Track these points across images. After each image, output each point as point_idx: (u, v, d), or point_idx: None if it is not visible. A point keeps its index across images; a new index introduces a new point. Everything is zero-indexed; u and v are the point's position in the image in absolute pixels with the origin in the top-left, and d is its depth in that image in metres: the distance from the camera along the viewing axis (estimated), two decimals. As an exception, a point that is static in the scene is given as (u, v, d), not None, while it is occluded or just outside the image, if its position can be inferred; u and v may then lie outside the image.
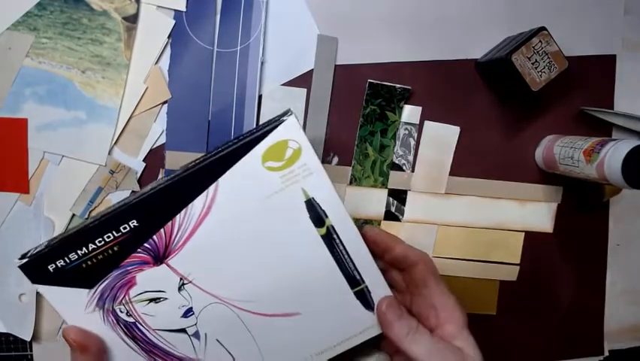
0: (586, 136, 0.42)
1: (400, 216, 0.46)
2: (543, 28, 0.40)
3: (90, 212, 0.42)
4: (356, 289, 0.32)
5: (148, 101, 0.41)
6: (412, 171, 0.45)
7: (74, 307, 0.30)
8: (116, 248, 0.29)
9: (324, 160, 0.44)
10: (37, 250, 0.29)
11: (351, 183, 0.45)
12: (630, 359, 0.52)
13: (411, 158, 0.45)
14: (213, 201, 0.30)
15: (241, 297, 0.31)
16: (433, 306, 0.33)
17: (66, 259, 0.29)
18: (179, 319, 0.32)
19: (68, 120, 0.40)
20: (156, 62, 0.41)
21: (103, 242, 0.29)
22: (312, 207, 0.30)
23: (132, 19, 0.40)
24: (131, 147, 0.42)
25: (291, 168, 0.30)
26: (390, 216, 0.46)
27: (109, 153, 0.41)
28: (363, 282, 0.32)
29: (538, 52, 0.40)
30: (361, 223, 0.31)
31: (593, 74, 0.47)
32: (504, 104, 0.46)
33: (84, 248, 0.29)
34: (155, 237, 0.30)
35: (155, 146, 0.42)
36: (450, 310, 0.32)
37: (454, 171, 0.46)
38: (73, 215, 0.42)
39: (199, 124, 0.42)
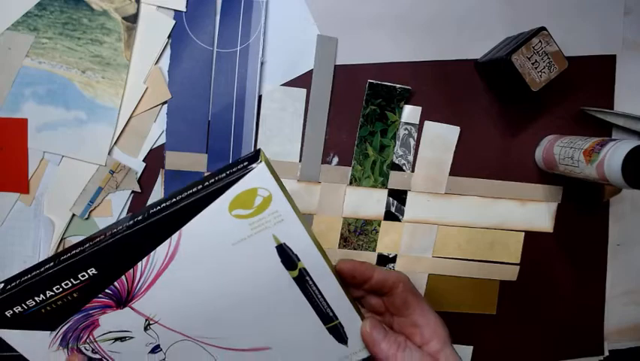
0: (586, 136, 0.42)
1: (400, 217, 0.46)
2: (543, 28, 0.40)
3: (90, 212, 0.42)
4: (329, 325, 0.32)
5: (148, 101, 0.41)
6: (412, 171, 0.45)
7: (37, 347, 0.30)
8: (75, 295, 0.29)
9: (324, 160, 0.44)
10: None
11: (351, 183, 0.45)
12: (630, 359, 0.52)
13: (411, 158, 0.45)
14: (177, 248, 0.29)
15: (210, 334, 0.31)
16: (417, 325, 0.33)
17: (24, 305, 0.29)
18: (147, 355, 0.31)
19: (68, 120, 0.40)
20: (156, 62, 0.41)
21: (61, 289, 0.28)
22: (283, 251, 0.29)
23: (132, 19, 0.40)
24: (131, 147, 0.42)
25: (260, 216, 0.28)
26: (390, 216, 0.46)
27: (109, 153, 0.41)
28: (337, 318, 0.32)
29: (538, 52, 0.40)
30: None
31: (593, 74, 0.47)
32: (504, 104, 0.46)
33: (42, 295, 0.28)
34: (116, 283, 0.29)
35: (155, 146, 0.42)
36: (433, 327, 0.33)
37: (454, 171, 0.46)
38: (73, 215, 0.42)
39: (199, 124, 0.42)
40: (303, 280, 0.30)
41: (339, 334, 0.32)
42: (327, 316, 0.32)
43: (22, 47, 0.39)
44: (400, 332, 0.34)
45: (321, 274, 0.30)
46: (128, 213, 0.43)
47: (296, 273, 0.30)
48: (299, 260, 0.30)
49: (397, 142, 0.45)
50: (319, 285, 0.31)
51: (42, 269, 0.29)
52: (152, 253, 0.29)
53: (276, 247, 0.29)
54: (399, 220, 0.46)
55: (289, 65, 0.43)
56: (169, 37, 0.41)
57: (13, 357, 0.43)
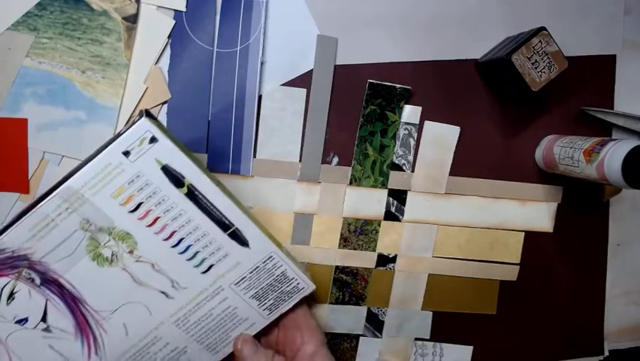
0: (586, 136, 0.42)
1: (400, 217, 0.46)
2: (543, 28, 0.40)
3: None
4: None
5: (148, 101, 0.41)
6: (412, 171, 0.45)
7: None
8: None
9: (324, 160, 0.44)
10: None
11: (351, 183, 0.45)
12: (630, 359, 0.52)
13: (411, 158, 0.45)
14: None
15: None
16: (299, 327, 0.38)
17: None
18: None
19: (68, 120, 0.40)
20: (156, 62, 0.41)
21: None
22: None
23: (132, 19, 0.40)
24: (131, 147, 0.42)
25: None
26: (390, 216, 0.46)
27: (109, 153, 0.41)
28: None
29: (538, 52, 0.40)
30: None
31: (593, 74, 0.47)
32: (504, 104, 0.46)
33: None
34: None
35: (155, 146, 0.42)
36: (312, 330, 0.38)
37: (454, 171, 0.46)
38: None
39: (199, 124, 0.42)
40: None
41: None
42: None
43: (22, 47, 0.39)
44: (283, 335, 0.39)
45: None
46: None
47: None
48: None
49: (397, 142, 0.45)
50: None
51: None
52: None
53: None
54: (399, 220, 0.46)
55: (289, 65, 0.43)
56: (169, 37, 0.41)
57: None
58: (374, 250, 0.46)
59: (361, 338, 0.47)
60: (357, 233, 0.46)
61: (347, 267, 0.46)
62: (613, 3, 0.46)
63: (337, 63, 0.43)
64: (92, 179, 0.31)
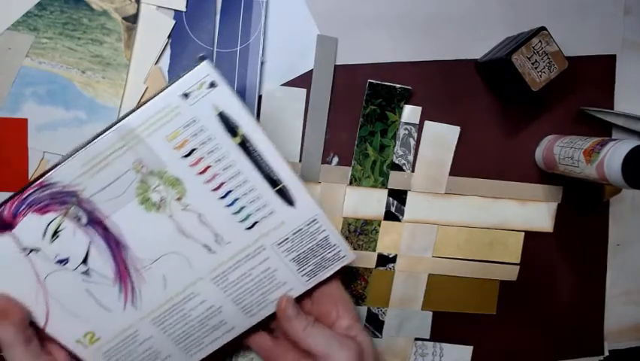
0: (586, 136, 0.42)
1: (400, 217, 0.46)
2: (543, 28, 0.40)
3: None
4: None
5: (148, 101, 0.41)
6: (412, 171, 0.45)
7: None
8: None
9: (324, 160, 0.44)
10: None
11: (351, 183, 0.45)
12: (630, 359, 0.52)
13: (411, 158, 0.45)
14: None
15: None
16: (334, 301, 0.38)
17: None
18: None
19: (68, 120, 0.40)
20: (156, 62, 0.41)
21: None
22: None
23: (132, 19, 0.40)
24: (131, 147, 0.42)
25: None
26: (390, 216, 0.46)
27: (109, 153, 0.41)
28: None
29: (538, 52, 0.40)
30: None
31: (593, 74, 0.47)
32: (504, 104, 0.46)
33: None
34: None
35: (155, 146, 0.42)
36: (347, 304, 0.38)
37: (454, 171, 0.46)
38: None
39: (199, 124, 0.42)
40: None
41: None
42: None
43: (22, 47, 0.39)
44: (317, 310, 0.38)
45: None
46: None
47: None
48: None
49: (397, 142, 0.45)
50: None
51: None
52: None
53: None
54: (399, 220, 0.46)
55: (289, 65, 0.43)
56: (169, 37, 0.41)
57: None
58: (374, 250, 0.46)
59: (361, 338, 0.47)
60: (357, 233, 0.46)
61: (347, 267, 0.46)
62: (613, 3, 0.46)
63: (337, 63, 0.43)
64: (150, 118, 0.31)
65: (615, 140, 0.38)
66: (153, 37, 0.41)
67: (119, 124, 0.31)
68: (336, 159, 0.44)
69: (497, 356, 0.49)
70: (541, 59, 0.40)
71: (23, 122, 0.40)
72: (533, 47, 0.40)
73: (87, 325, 0.34)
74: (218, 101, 0.31)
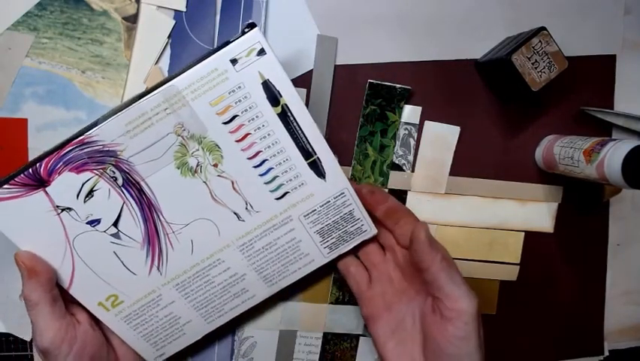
0: (586, 136, 0.42)
1: (400, 216, 0.46)
2: (543, 28, 0.40)
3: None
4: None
5: (148, 101, 0.41)
6: (412, 171, 0.45)
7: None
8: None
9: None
10: None
11: (351, 183, 0.45)
12: (630, 359, 0.52)
13: (411, 158, 0.45)
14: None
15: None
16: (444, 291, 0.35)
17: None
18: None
19: (68, 120, 0.40)
20: (156, 62, 0.41)
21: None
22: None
23: (132, 19, 0.40)
24: (131, 147, 0.42)
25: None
26: (390, 216, 0.46)
27: (109, 153, 0.41)
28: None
29: (538, 52, 0.40)
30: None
31: (593, 74, 0.47)
32: (504, 104, 0.46)
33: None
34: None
35: (155, 146, 0.42)
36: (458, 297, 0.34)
37: (454, 171, 0.46)
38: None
39: (199, 124, 0.42)
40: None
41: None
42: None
43: (22, 47, 0.39)
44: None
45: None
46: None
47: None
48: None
49: (397, 142, 0.45)
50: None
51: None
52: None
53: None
54: (399, 220, 0.46)
55: (289, 65, 0.43)
56: (169, 37, 0.41)
57: (13, 357, 0.43)
58: (374, 250, 0.46)
59: (361, 338, 0.47)
60: (357, 233, 0.45)
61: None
62: (613, 3, 0.46)
63: (337, 63, 0.43)
64: (197, 82, 0.31)
65: (615, 140, 0.38)
66: (153, 37, 0.41)
67: (165, 85, 0.31)
68: (336, 159, 0.44)
69: (497, 356, 0.49)
70: (541, 59, 0.40)
71: (23, 122, 0.40)
72: (533, 47, 0.40)
73: (111, 288, 0.34)
74: (264, 70, 0.31)
